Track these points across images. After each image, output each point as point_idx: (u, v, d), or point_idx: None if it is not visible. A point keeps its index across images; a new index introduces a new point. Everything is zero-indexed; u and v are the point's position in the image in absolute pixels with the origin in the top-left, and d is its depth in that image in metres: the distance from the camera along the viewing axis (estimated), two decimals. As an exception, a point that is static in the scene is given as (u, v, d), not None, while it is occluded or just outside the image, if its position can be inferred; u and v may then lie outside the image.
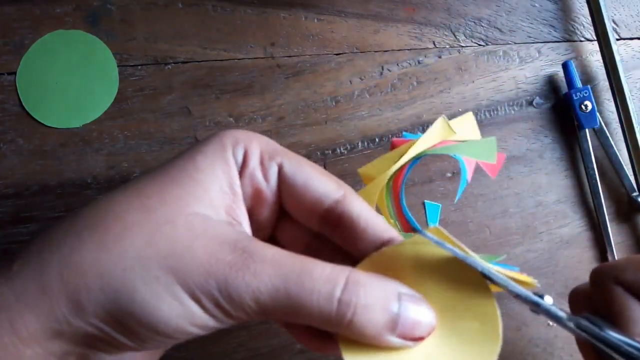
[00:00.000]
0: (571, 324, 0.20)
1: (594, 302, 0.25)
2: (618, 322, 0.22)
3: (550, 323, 0.35)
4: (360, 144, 0.36)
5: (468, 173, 0.27)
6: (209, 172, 0.20)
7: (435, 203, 0.36)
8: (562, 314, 0.20)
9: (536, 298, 0.21)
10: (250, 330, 0.34)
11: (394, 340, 0.19)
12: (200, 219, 0.19)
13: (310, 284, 0.18)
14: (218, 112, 0.36)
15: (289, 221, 0.23)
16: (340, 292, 0.18)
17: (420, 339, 0.19)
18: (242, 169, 0.21)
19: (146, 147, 0.35)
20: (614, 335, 0.20)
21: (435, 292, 0.20)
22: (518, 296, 0.21)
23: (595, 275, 0.25)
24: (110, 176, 0.35)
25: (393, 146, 0.29)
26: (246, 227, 0.21)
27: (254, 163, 0.21)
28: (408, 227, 0.27)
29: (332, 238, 0.22)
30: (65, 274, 0.18)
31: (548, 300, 0.21)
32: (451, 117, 0.37)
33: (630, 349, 0.19)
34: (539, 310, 0.21)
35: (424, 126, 0.37)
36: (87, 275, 0.18)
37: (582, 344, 0.25)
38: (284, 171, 0.22)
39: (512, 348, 0.35)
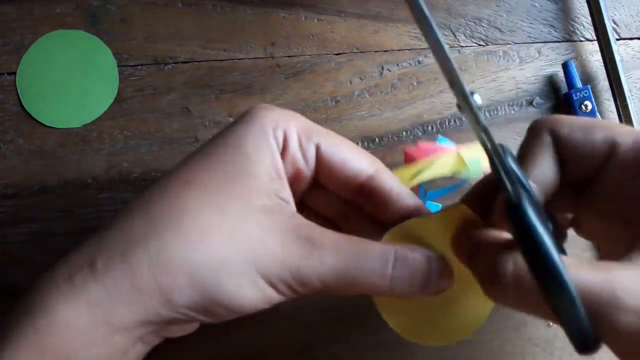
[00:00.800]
0: (483, 126, 0.21)
1: (522, 146, 0.25)
2: (523, 159, 0.23)
3: (551, 324, 0.35)
4: (360, 143, 0.36)
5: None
6: (259, 163, 0.22)
7: (435, 203, 0.36)
8: (482, 118, 0.21)
9: (469, 92, 0.21)
10: (250, 330, 0.34)
11: (423, 294, 0.23)
12: (265, 212, 0.22)
13: (366, 264, 0.22)
14: (218, 112, 0.36)
15: (321, 190, 0.26)
16: (391, 269, 0.22)
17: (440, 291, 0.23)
18: (283, 151, 0.23)
19: (146, 147, 0.35)
20: (510, 161, 0.21)
21: (450, 260, 0.23)
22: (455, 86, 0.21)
23: (535, 122, 0.25)
24: (110, 176, 0.35)
25: (406, 156, 0.31)
26: (292, 205, 0.23)
27: (293, 146, 0.23)
28: None
29: (363, 206, 0.25)
30: (157, 274, 0.20)
31: (477, 99, 0.21)
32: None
33: (513, 177, 0.20)
34: (464, 109, 0.21)
35: (423, 126, 0.37)
36: (178, 275, 0.20)
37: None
38: (322, 151, 0.24)
39: (512, 348, 0.35)
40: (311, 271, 0.21)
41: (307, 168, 0.24)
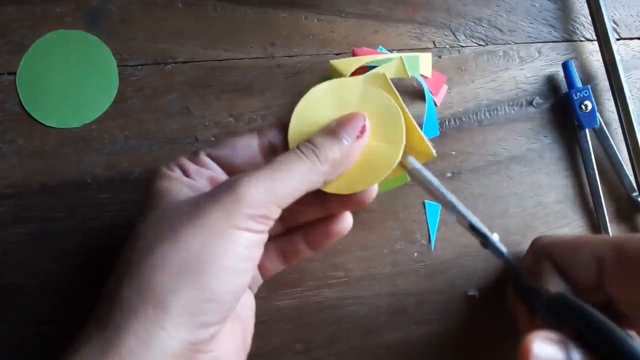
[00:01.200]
0: (508, 258, 0.27)
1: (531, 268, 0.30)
2: (537, 282, 0.28)
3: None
4: (360, 144, 0.36)
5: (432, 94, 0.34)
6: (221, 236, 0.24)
7: (436, 203, 0.36)
8: (504, 250, 0.27)
9: (487, 231, 0.27)
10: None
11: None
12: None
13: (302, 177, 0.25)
14: (218, 112, 0.36)
15: None
16: (322, 167, 0.26)
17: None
18: None
19: (146, 147, 0.35)
20: (530, 282, 0.28)
21: (370, 116, 0.28)
22: (472, 228, 0.27)
23: (532, 246, 0.32)
24: (110, 176, 0.35)
25: (354, 54, 0.34)
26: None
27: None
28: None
29: None
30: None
31: (495, 238, 0.27)
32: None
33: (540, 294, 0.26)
34: (488, 244, 0.27)
35: (423, 127, 0.37)
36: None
37: (513, 298, 0.31)
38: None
39: (512, 348, 0.35)
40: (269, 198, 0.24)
41: None
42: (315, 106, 0.28)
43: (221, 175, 0.28)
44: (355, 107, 0.28)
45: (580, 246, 0.27)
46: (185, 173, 0.27)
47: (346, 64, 0.31)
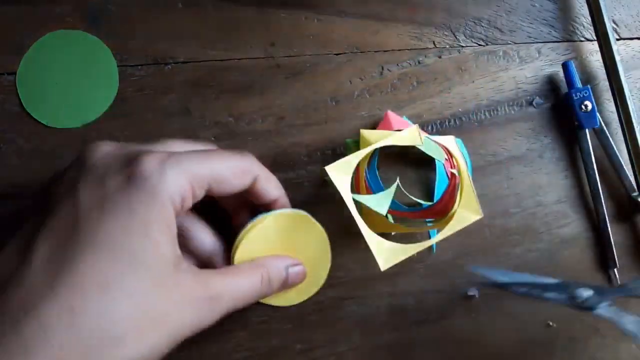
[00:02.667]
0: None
1: None
2: None
3: (551, 323, 0.35)
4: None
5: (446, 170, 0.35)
6: (158, 244, 0.24)
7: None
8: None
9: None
10: (249, 330, 0.34)
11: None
12: (173, 286, 0.25)
13: (253, 294, 0.29)
14: (218, 112, 0.36)
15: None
16: (261, 287, 0.29)
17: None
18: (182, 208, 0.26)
19: (146, 147, 0.35)
20: None
21: (298, 244, 0.32)
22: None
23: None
24: (110, 176, 0.35)
25: (385, 119, 0.35)
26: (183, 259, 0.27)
27: (189, 204, 0.26)
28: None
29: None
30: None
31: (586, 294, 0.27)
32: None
33: None
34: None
35: (423, 126, 0.37)
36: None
37: None
38: (212, 189, 0.28)
39: (512, 348, 0.35)
40: (213, 319, 0.26)
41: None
42: (261, 237, 0.31)
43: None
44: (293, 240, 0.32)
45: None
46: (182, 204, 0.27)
47: (377, 136, 0.32)
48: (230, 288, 0.27)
